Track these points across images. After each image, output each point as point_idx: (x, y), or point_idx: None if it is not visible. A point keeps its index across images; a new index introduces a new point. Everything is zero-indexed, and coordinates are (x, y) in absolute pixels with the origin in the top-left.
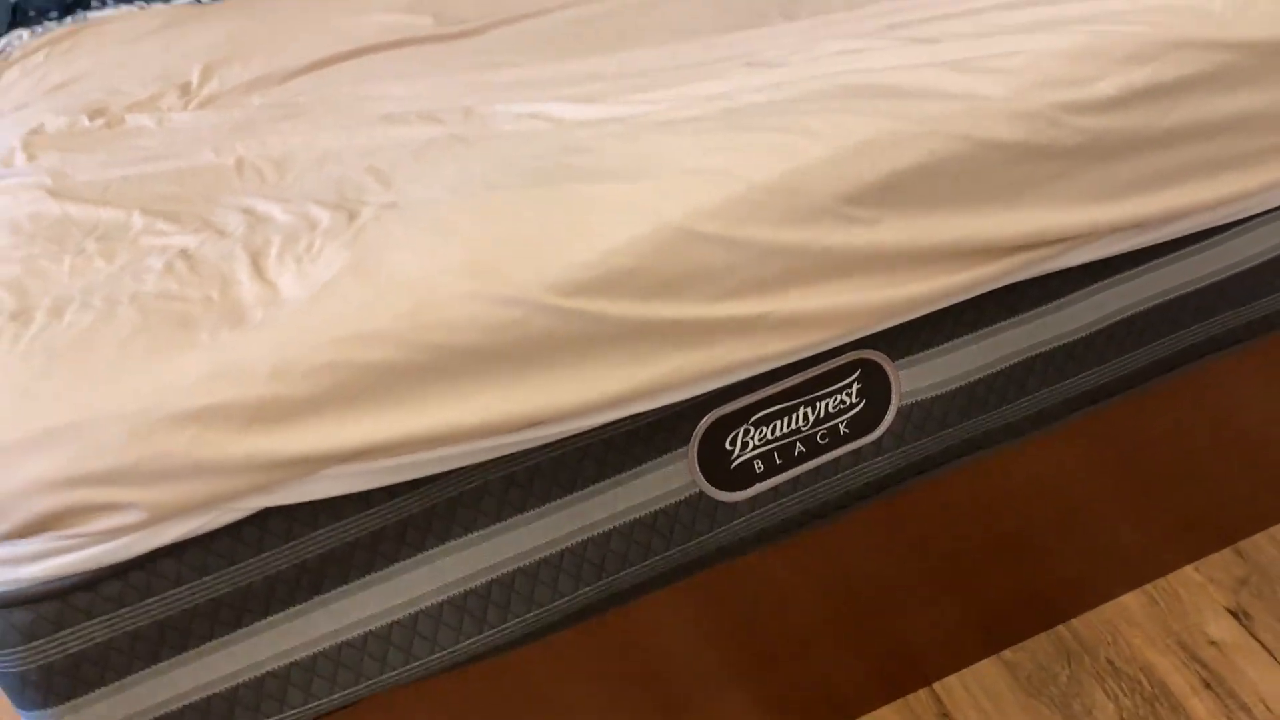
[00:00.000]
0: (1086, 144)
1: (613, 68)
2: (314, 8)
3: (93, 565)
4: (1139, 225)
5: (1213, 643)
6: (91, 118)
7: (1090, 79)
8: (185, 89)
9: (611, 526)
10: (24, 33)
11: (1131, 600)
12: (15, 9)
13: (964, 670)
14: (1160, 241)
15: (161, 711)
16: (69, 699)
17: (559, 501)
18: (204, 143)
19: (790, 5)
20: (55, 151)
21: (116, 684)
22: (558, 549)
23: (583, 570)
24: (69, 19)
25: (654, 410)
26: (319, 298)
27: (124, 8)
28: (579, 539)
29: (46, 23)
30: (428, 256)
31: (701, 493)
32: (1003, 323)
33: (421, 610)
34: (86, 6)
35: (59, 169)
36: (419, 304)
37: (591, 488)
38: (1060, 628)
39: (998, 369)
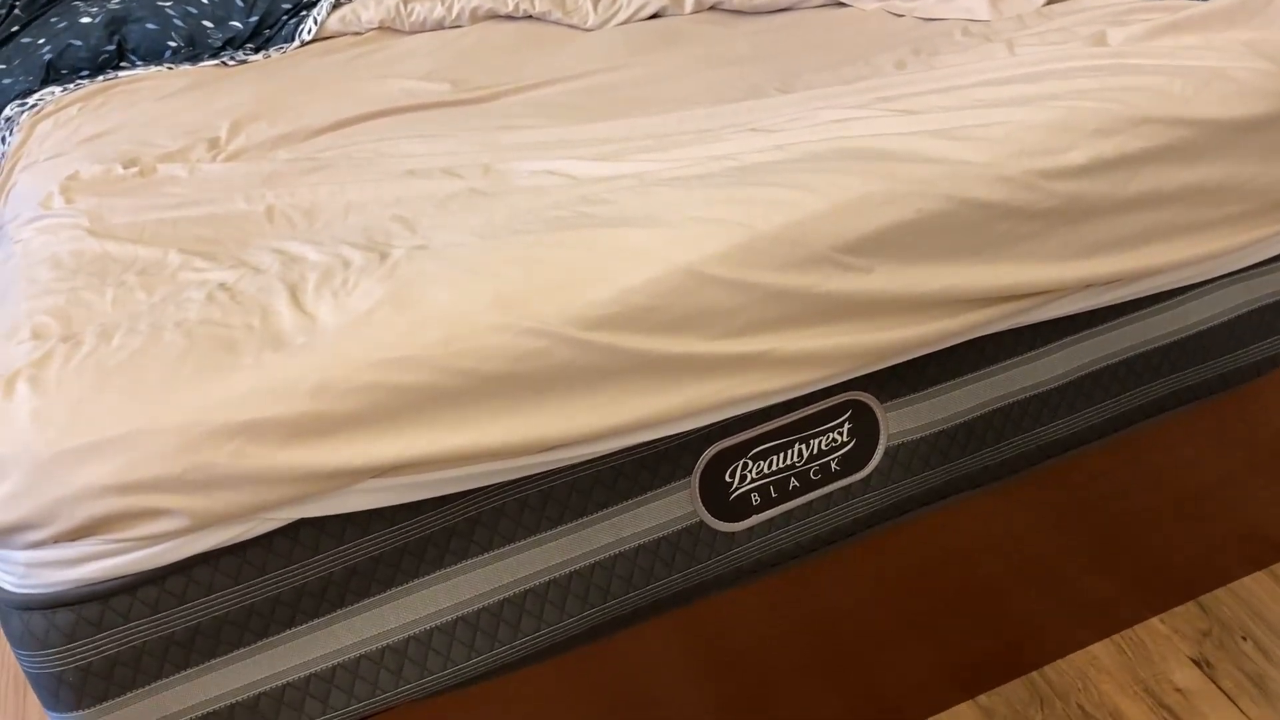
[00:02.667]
0: (1059, 207)
1: (623, 131)
2: (335, 73)
3: (134, 569)
4: (1105, 283)
5: (1178, 690)
6: (125, 166)
7: (1063, 149)
8: (214, 143)
9: (617, 551)
10: (56, 89)
11: (1101, 649)
12: (49, 66)
13: (941, 713)
14: (1126, 300)
15: (187, 718)
16: (102, 701)
17: (569, 525)
18: (235, 191)
19: (786, 80)
20: (92, 195)
21: (147, 688)
22: (567, 571)
23: (589, 593)
24: (100, 77)
25: (660, 440)
26: (358, 324)
27: (153, 69)
28: (587, 562)
29: (79, 80)
30: (460, 291)
31: (702, 522)
32: (982, 370)
33: (437, 626)
34: (117, 67)
35: (96, 211)
36: (452, 333)
37: (600, 513)
38: (1033, 674)
39: (977, 414)
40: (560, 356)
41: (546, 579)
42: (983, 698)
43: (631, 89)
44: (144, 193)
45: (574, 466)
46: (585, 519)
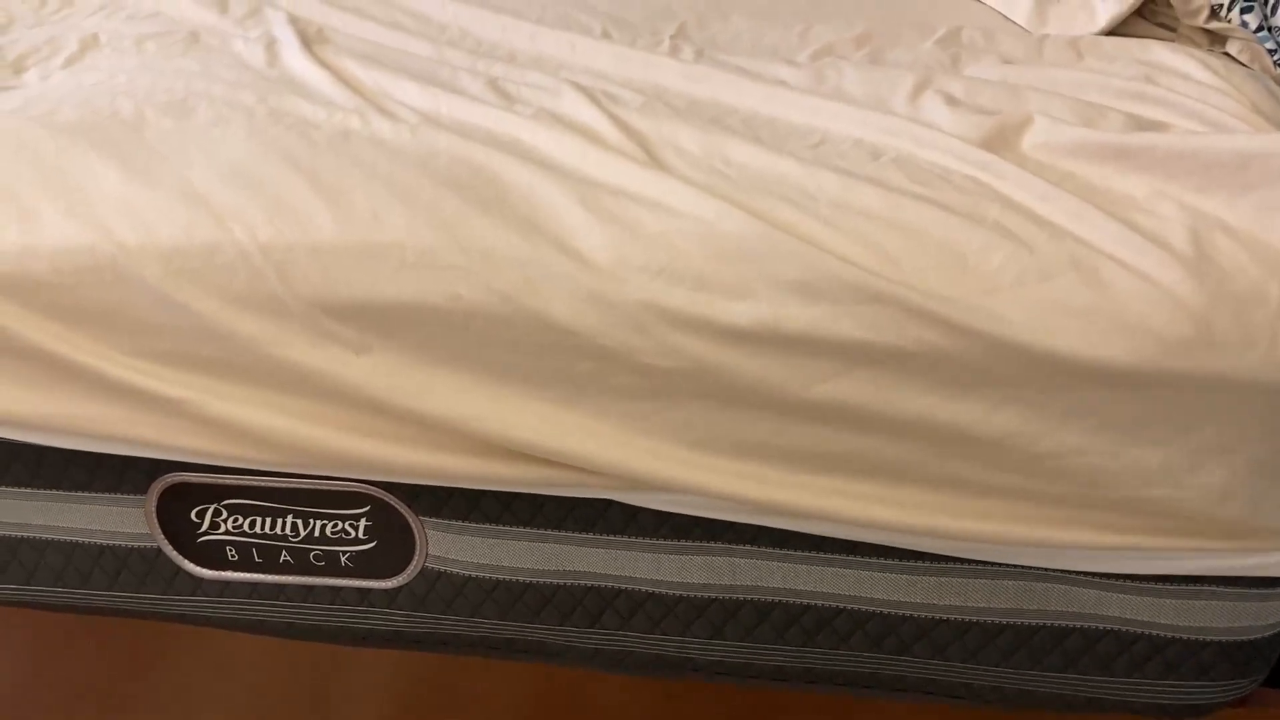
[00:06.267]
0: (686, 372)
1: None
2: None
3: None
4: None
5: None
6: None
7: (728, 290)
8: None
9: (54, 538)
10: None
11: None
12: None
13: None
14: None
15: None
16: None
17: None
18: None
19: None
20: None
21: None
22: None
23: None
24: None
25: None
26: None
27: None
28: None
29: None
30: None
31: (160, 550)
32: (572, 534)
33: None
34: None
35: None
36: None
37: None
38: None
39: (557, 582)
40: None
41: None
42: None
43: None
44: None
45: None
46: (9, 487)
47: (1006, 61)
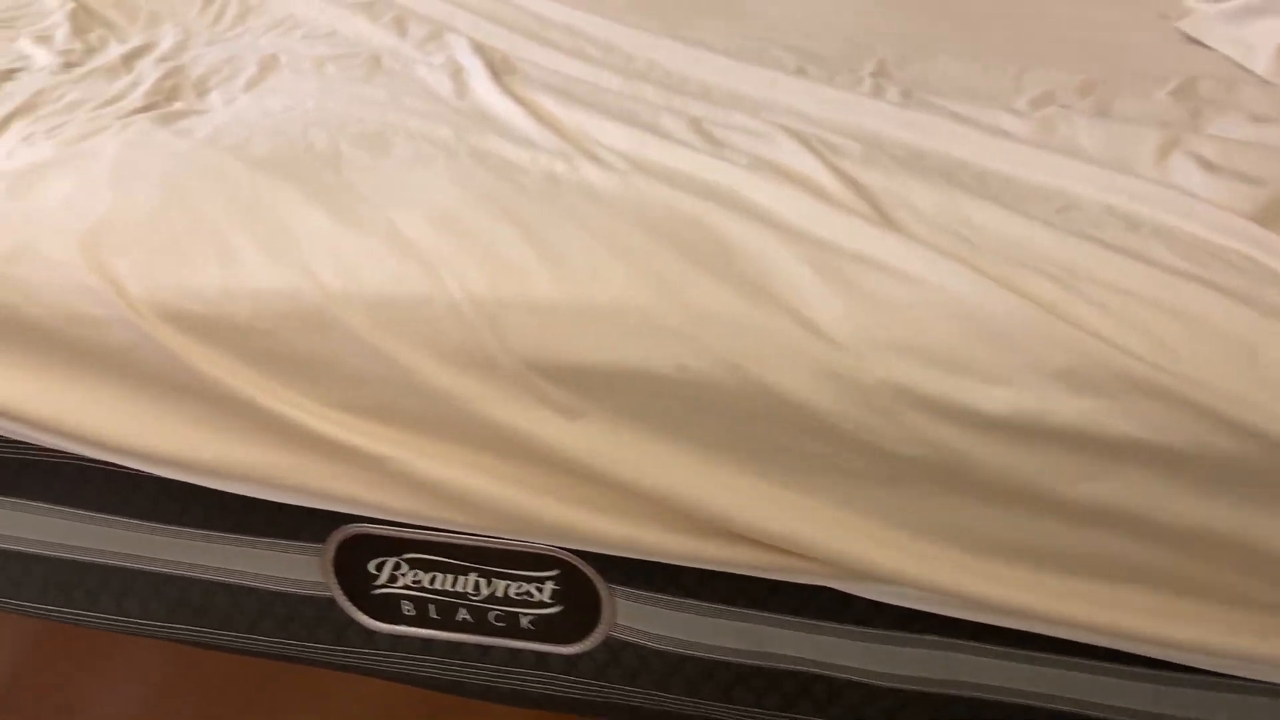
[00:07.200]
0: (930, 462)
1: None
2: None
3: None
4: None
5: None
6: None
7: (983, 376)
8: None
9: (227, 581)
10: None
11: None
12: None
13: None
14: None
15: None
16: None
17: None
18: None
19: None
20: None
21: None
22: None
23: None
24: None
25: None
26: None
27: None
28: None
29: None
30: None
31: (334, 600)
32: (776, 615)
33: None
34: None
35: None
36: None
37: (201, 530)
38: None
39: (754, 663)
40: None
41: (132, 565)
42: None
43: None
44: None
45: None
46: (186, 528)
47: (1257, 119)
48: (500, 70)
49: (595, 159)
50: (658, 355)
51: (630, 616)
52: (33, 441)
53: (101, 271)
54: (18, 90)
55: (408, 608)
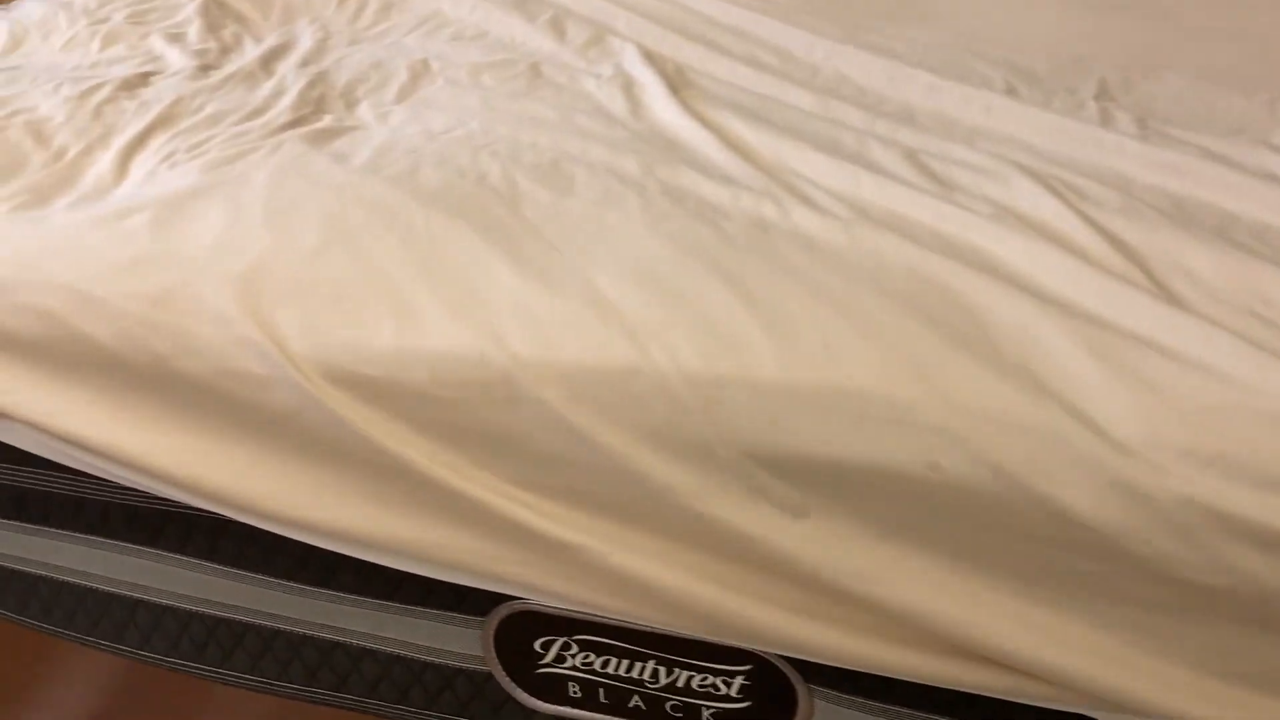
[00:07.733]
0: (1226, 590)
1: None
2: None
3: None
4: None
5: None
6: None
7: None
8: None
9: (368, 646)
10: None
11: None
12: None
13: None
14: None
15: None
16: None
17: (315, 589)
18: None
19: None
20: None
21: None
22: (298, 630)
23: (319, 670)
24: None
25: None
26: None
27: None
28: (324, 635)
29: None
30: None
31: (492, 676)
32: None
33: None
34: None
35: None
36: None
37: (354, 595)
38: None
39: None
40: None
41: (274, 625)
42: None
43: None
44: None
45: None
46: (335, 592)
47: None
48: (676, 84)
49: (807, 201)
50: (905, 451)
51: (829, 718)
52: (175, 499)
53: (261, 325)
54: (154, 98)
55: (574, 689)
